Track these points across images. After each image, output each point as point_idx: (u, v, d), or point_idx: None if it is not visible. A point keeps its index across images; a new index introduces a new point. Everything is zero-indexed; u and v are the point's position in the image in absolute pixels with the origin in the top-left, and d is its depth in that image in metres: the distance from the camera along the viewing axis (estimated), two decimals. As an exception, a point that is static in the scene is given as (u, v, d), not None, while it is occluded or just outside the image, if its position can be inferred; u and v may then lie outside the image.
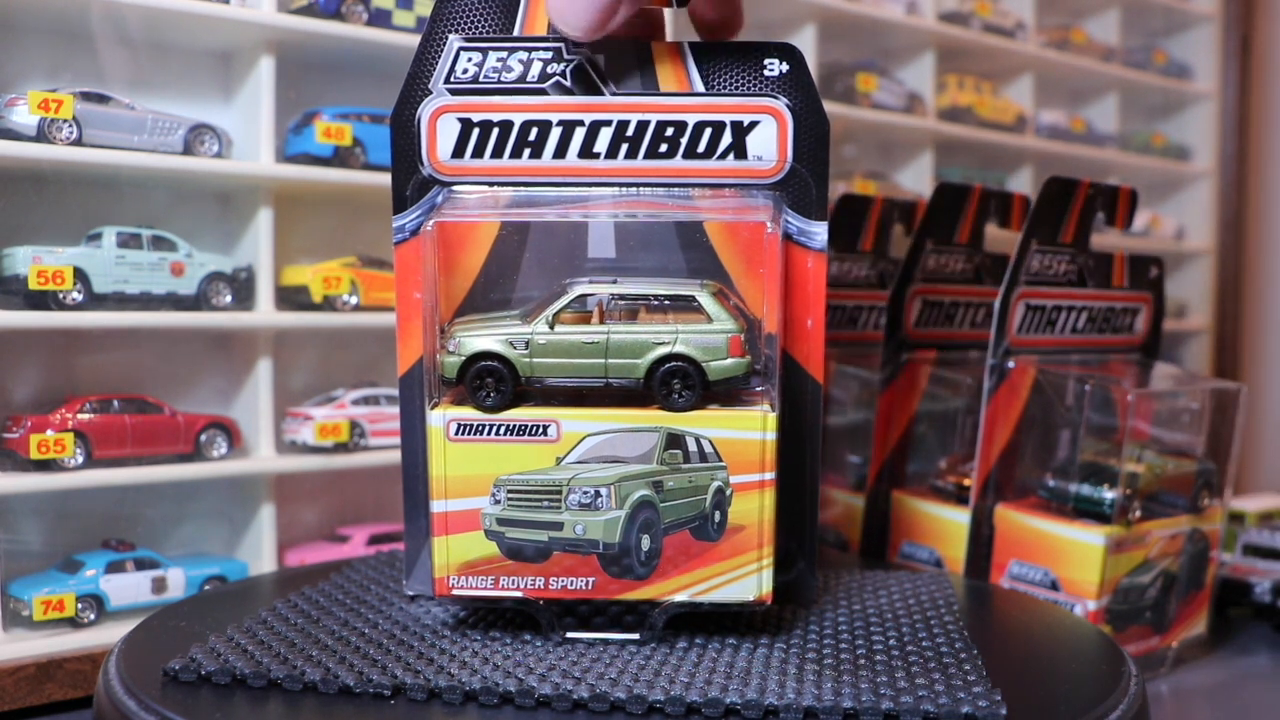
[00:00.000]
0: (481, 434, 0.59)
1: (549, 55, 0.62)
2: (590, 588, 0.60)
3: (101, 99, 0.79)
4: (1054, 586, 0.78)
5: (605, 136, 0.63)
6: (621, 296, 0.61)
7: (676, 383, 0.60)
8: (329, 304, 0.87)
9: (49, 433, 0.76)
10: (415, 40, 0.88)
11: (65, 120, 0.76)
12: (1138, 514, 0.79)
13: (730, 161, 0.63)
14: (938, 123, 1.24)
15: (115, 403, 0.80)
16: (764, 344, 0.61)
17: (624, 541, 0.59)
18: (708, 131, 0.63)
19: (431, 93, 0.62)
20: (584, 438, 0.59)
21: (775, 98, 0.63)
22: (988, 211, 0.95)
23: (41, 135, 0.75)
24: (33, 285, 0.75)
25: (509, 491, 0.59)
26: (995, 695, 0.53)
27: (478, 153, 0.63)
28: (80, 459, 0.77)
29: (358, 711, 0.52)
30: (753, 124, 0.63)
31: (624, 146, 0.63)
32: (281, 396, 0.88)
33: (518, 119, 0.63)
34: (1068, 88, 1.45)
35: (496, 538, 0.59)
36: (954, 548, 0.85)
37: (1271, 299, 1.60)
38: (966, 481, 0.87)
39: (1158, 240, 1.50)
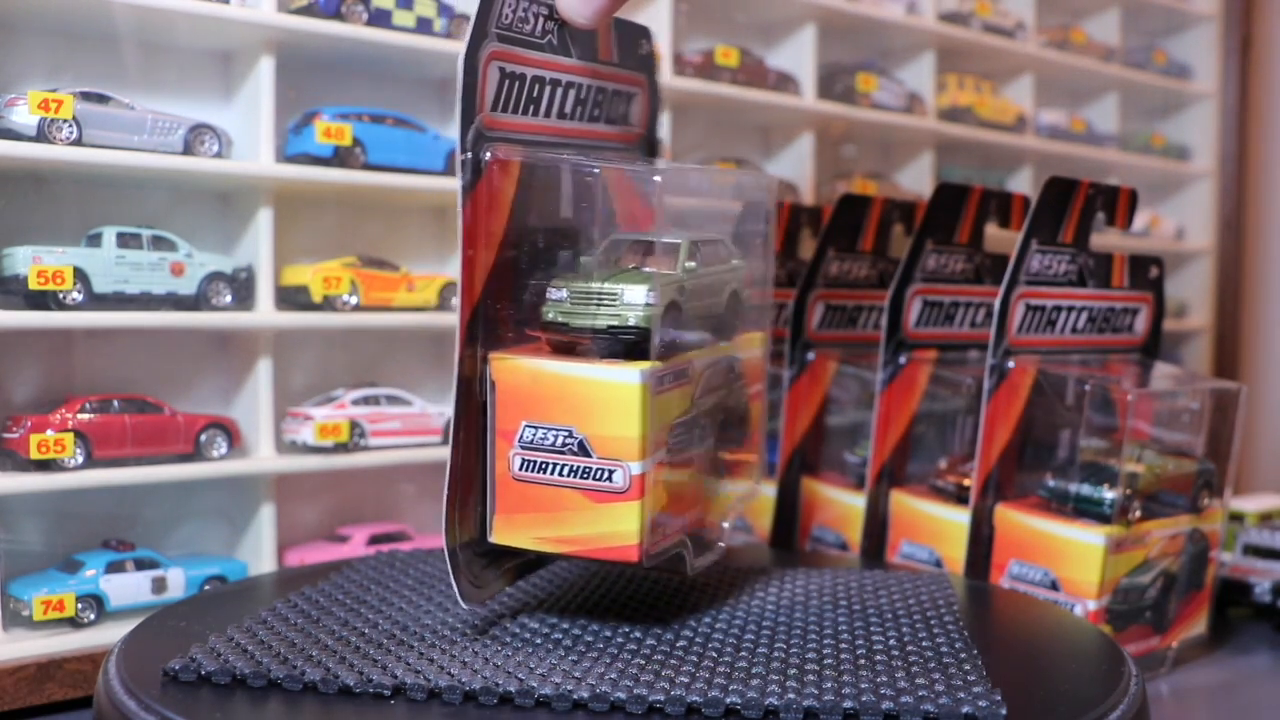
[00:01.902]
0: (662, 383, 0.60)
1: (546, 12, 0.64)
2: (700, 515, 0.66)
3: (101, 99, 0.79)
4: (1054, 586, 0.78)
5: (571, 98, 0.67)
6: (705, 243, 0.66)
7: (731, 315, 0.68)
8: (329, 304, 0.87)
9: (49, 433, 0.76)
10: (415, 40, 0.89)
11: (65, 120, 0.76)
12: (1138, 514, 0.79)
13: (618, 126, 0.71)
14: (938, 123, 1.24)
15: (115, 403, 0.80)
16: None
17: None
18: (616, 99, 0.71)
19: (487, 35, 0.60)
20: (704, 373, 0.64)
21: (643, 73, 0.72)
22: (988, 211, 0.95)
23: (41, 135, 0.75)
24: (33, 285, 0.75)
25: (675, 437, 0.61)
26: (995, 695, 0.53)
27: (505, 106, 0.63)
28: (80, 459, 0.77)
29: (358, 711, 0.52)
30: (633, 95, 0.72)
31: (580, 109, 0.67)
32: (281, 396, 0.88)
33: (529, 73, 0.63)
34: (1068, 88, 1.45)
35: (667, 485, 0.61)
36: (954, 548, 0.85)
37: (1271, 299, 1.60)
38: (966, 481, 0.87)
39: (1158, 240, 1.50)
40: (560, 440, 0.59)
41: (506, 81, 0.62)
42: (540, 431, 0.59)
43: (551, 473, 0.59)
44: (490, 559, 0.63)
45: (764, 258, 0.71)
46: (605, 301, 0.60)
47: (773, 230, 0.72)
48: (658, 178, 0.63)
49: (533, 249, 0.64)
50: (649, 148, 0.74)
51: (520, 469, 0.60)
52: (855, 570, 0.78)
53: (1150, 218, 1.51)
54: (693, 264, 0.63)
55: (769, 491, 0.96)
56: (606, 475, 0.58)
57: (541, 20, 0.63)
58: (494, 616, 0.64)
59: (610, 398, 0.58)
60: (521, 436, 0.60)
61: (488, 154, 0.60)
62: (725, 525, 0.68)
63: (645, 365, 0.58)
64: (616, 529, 0.58)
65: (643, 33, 0.72)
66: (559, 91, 0.65)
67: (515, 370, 0.60)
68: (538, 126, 0.65)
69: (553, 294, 0.61)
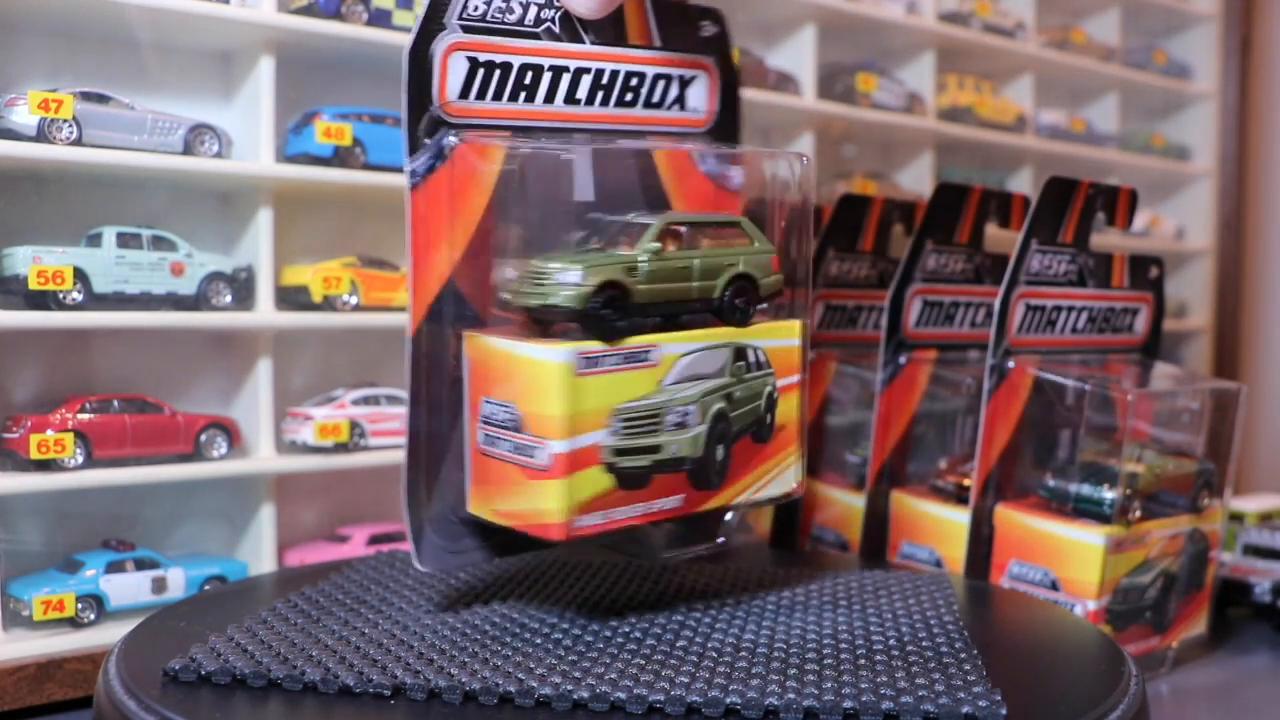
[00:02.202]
0: (598, 365, 0.60)
1: (542, 1, 0.64)
2: (682, 504, 0.63)
3: (101, 99, 0.79)
4: (1054, 586, 0.78)
5: (585, 84, 0.66)
6: (693, 224, 0.65)
7: (741, 300, 0.65)
8: (329, 304, 0.87)
9: (49, 433, 0.76)
10: (415, 40, 0.89)
11: (65, 120, 0.76)
12: (1138, 514, 0.79)
13: (675, 111, 0.69)
14: (938, 123, 1.24)
15: (115, 403, 0.80)
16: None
17: (705, 454, 0.63)
18: (661, 83, 0.69)
19: (446, 28, 0.63)
20: (678, 359, 0.62)
21: (708, 55, 0.70)
22: (988, 211, 0.95)
23: (41, 135, 0.75)
24: (33, 285, 0.75)
25: (623, 420, 0.60)
26: (995, 695, 0.53)
27: (480, 94, 0.64)
28: (80, 459, 0.77)
29: (358, 711, 0.52)
30: (692, 78, 0.70)
31: (599, 94, 0.66)
32: (281, 396, 0.88)
33: (516, 61, 0.64)
34: (1068, 88, 1.45)
35: (614, 469, 0.60)
36: (954, 548, 0.85)
37: (1271, 299, 1.60)
38: (966, 481, 0.87)
39: (1158, 240, 1.50)
40: (505, 416, 0.60)
41: (482, 70, 0.63)
42: (492, 407, 0.61)
43: (499, 447, 0.61)
44: (473, 527, 0.64)
45: (798, 241, 0.69)
46: (539, 281, 0.61)
47: (809, 212, 0.70)
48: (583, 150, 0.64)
49: (530, 230, 0.64)
50: (725, 133, 0.72)
51: (482, 442, 0.62)
52: (855, 570, 0.78)
53: (1150, 218, 1.51)
54: (656, 244, 0.62)
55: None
56: (531, 452, 0.59)
57: (534, 9, 0.64)
58: (494, 616, 0.64)
59: (537, 375, 0.59)
60: (482, 411, 0.62)
61: (451, 139, 0.61)
62: (727, 519, 0.68)
63: (572, 344, 0.59)
64: (542, 506, 0.59)
65: (706, 14, 0.71)
66: (565, 78, 0.66)
67: (477, 348, 0.62)
68: (534, 114, 0.65)
69: (508, 274, 0.63)
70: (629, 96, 0.68)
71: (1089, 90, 1.48)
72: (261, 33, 0.84)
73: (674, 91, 0.69)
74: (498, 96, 0.64)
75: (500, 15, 0.63)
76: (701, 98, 0.70)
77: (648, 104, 0.68)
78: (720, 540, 0.67)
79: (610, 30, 0.66)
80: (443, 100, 0.62)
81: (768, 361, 0.66)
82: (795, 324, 0.67)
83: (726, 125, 0.72)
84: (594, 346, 0.59)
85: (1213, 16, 1.54)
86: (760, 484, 0.66)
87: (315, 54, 0.89)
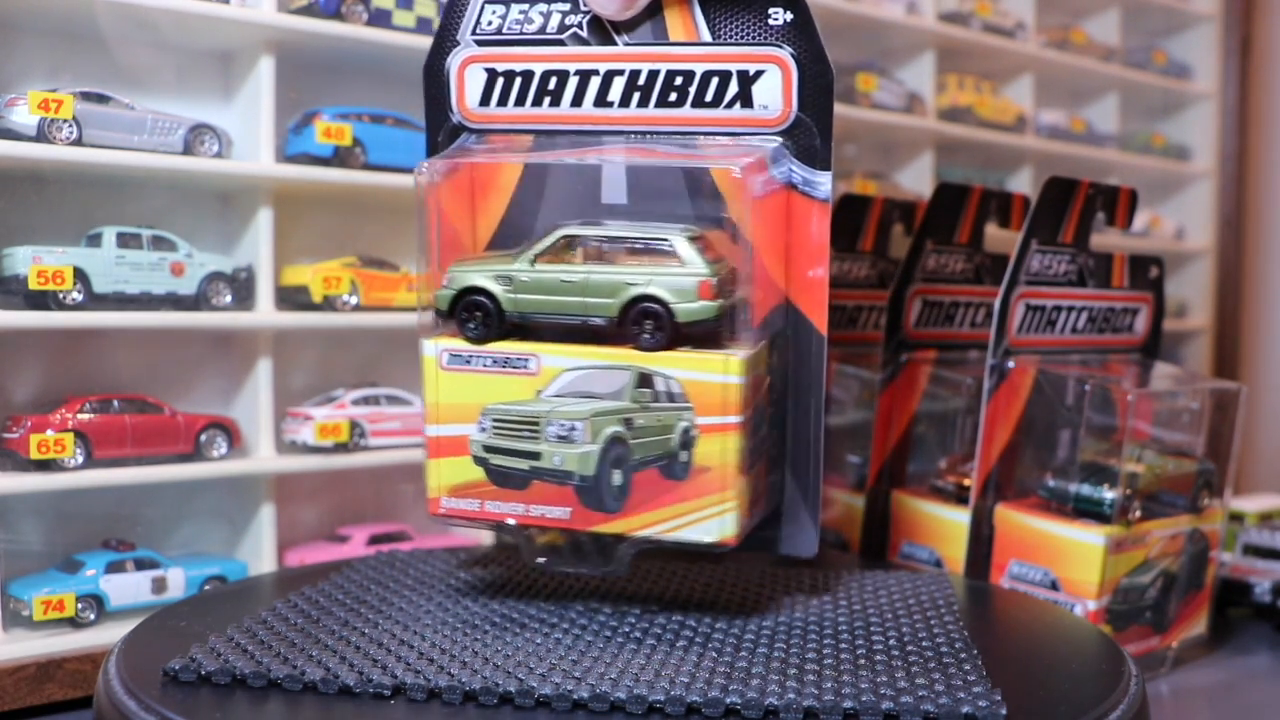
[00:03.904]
0: (469, 364, 0.63)
1: (567, 7, 0.64)
2: (568, 517, 0.62)
3: (101, 99, 0.79)
4: (1054, 586, 0.78)
5: (619, 85, 0.65)
6: (603, 238, 0.63)
7: (649, 323, 0.61)
8: (329, 304, 0.87)
9: (49, 433, 0.76)
10: (416, 40, 0.89)
11: (65, 120, 0.76)
12: (1138, 514, 0.79)
13: (737, 110, 0.64)
14: (938, 123, 1.24)
15: (115, 403, 0.80)
16: (750, 290, 0.62)
17: (597, 474, 0.61)
18: (715, 81, 0.64)
19: (460, 44, 0.65)
20: (561, 372, 0.62)
21: (780, 47, 0.63)
22: (988, 211, 0.95)
23: (41, 135, 0.75)
24: (33, 285, 0.75)
25: (494, 420, 0.63)
26: (995, 695, 0.53)
27: (502, 101, 0.65)
28: (80, 459, 0.77)
29: (358, 711, 0.52)
30: (758, 73, 0.63)
31: (635, 95, 0.65)
32: (281, 396, 0.88)
33: (538, 69, 0.65)
34: (1068, 88, 1.45)
35: (483, 463, 0.63)
36: (954, 548, 0.85)
37: (1271, 299, 1.60)
38: (966, 481, 0.87)
39: (1158, 240, 1.50)
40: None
41: (501, 79, 0.64)
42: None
43: None
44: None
45: (741, 255, 0.62)
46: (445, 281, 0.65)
47: (746, 218, 0.63)
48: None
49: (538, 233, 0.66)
50: (807, 132, 0.64)
51: None
52: (855, 570, 0.78)
53: (1150, 218, 1.51)
54: (534, 255, 0.63)
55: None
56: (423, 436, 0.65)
57: (557, 16, 0.64)
58: (494, 617, 0.64)
59: (424, 367, 0.64)
60: None
61: (471, 141, 0.64)
62: (620, 549, 0.64)
63: (445, 341, 0.63)
64: (428, 483, 0.65)
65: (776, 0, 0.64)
66: (594, 80, 0.65)
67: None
68: (560, 118, 0.66)
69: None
70: (673, 96, 0.64)
71: (1089, 90, 1.48)
72: (261, 33, 0.84)
73: (733, 88, 0.64)
74: (520, 102, 0.65)
75: (518, 26, 0.63)
76: (772, 94, 0.63)
77: (699, 103, 0.64)
78: (609, 569, 0.63)
79: (649, 29, 0.64)
80: (462, 109, 0.63)
81: (683, 395, 0.60)
82: (734, 360, 0.60)
83: (810, 123, 0.64)
84: (464, 346, 0.63)
85: (1213, 16, 1.53)
86: (675, 523, 0.61)
87: (315, 54, 0.89)
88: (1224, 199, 1.56)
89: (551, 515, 0.62)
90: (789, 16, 0.62)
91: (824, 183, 0.63)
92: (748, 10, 0.63)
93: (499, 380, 0.62)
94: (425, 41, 0.89)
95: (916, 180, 1.26)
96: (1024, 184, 1.37)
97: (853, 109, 1.15)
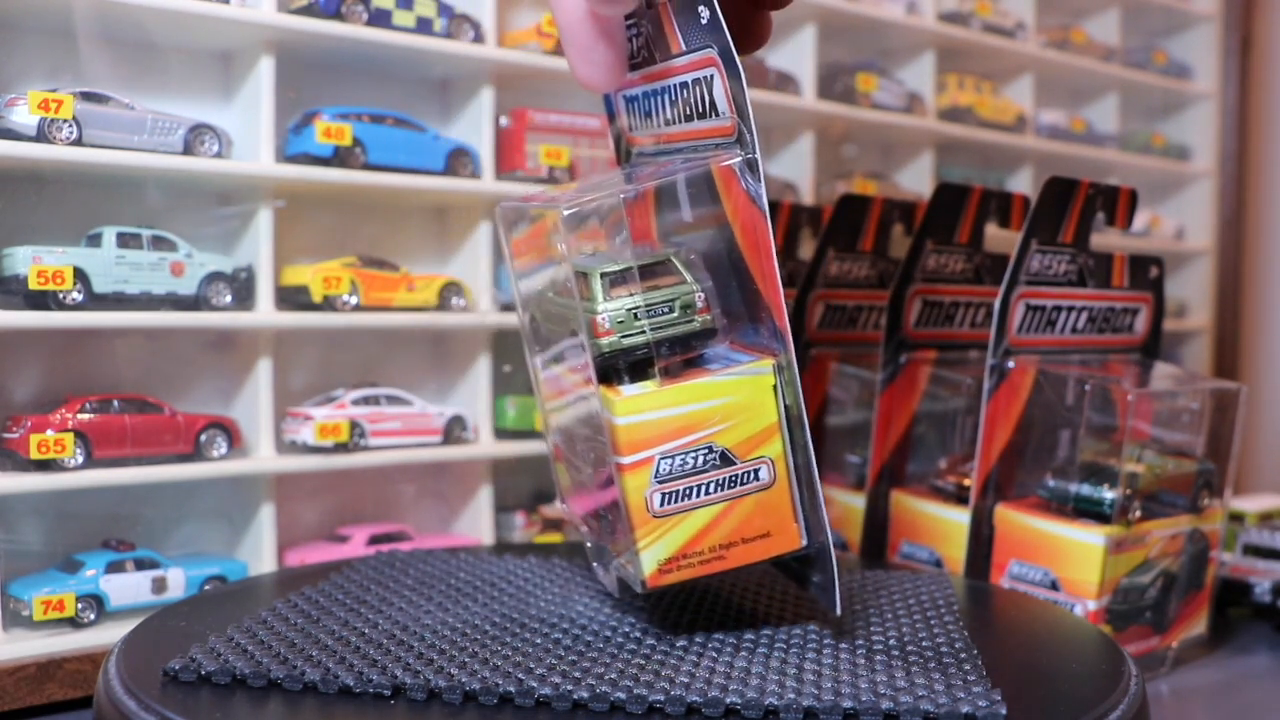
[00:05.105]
0: None
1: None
2: None
3: (101, 99, 0.79)
4: (1054, 586, 0.78)
5: (665, 106, 0.64)
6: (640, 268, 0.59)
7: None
8: (329, 304, 0.87)
9: (49, 433, 0.76)
10: (415, 40, 0.89)
11: (65, 120, 0.76)
12: (1138, 514, 0.79)
13: (715, 120, 0.59)
14: (938, 123, 1.24)
15: (115, 403, 0.80)
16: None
17: None
18: (698, 91, 0.60)
19: None
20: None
21: (710, 47, 0.57)
22: (988, 211, 0.95)
23: (41, 135, 0.75)
24: (33, 285, 0.75)
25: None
26: (995, 695, 0.53)
27: None
28: (80, 459, 0.77)
29: (358, 711, 0.52)
30: (711, 78, 0.58)
31: (670, 113, 0.64)
32: (281, 396, 0.88)
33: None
34: (1068, 88, 1.45)
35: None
36: (954, 548, 0.85)
37: (1271, 299, 1.60)
38: (966, 481, 0.87)
39: (1158, 240, 1.50)
40: None
41: None
42: None
43: None
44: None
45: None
46: None
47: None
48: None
49: None
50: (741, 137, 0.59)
51: None
52: (855, 570, 0.78)
53: (1150, 218, 1.51)
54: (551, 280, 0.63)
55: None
56: None
57: None
58: (494, 617, 0.64)
59: None
60: None
61: None
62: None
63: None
64: None
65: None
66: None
67: None
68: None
69: None
70: (688, 110, 0.61)
71: (1089, 90, 1.48)
72: (261, 33, 0.84)
73: (703, 95, 0.60)
74: None
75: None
76: (721, 99, 0.58)
77: (695, 115, 0.60)
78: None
79: (664, 44, 0.61)
80: None
81: (604, 428, 0.58)
82: (620, 398, 0.57)
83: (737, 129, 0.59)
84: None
85: (1213, 16, 1.54)
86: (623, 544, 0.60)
87: (315, 54, 0.89)
88: (1224, 199, 1.56)
89: None
90: (707, 14, 0.57)
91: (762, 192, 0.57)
92: (688, 10, 0.58)
93: None
94: (425, 41, 0.89)
95: (916, 180, 1.26)
96: (1024, 184, 1.37)
97: (853, 109, 1.15)
